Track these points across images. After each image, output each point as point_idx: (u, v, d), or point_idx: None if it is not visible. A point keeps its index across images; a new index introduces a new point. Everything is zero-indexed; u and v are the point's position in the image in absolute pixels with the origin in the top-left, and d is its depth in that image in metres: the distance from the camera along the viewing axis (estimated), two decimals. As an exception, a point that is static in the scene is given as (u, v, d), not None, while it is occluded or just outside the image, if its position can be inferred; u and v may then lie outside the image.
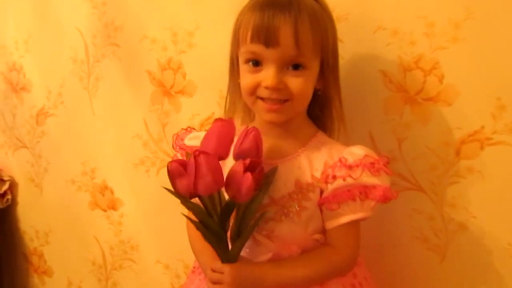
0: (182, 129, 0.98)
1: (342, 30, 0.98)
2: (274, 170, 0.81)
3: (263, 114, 0.82)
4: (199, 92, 1.20)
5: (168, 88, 1.24)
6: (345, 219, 0.81)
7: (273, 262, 0.82)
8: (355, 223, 0.82)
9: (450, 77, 0.90)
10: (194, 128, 1.00)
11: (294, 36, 0.75)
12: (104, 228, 1.47)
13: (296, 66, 0.78)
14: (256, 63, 0.80)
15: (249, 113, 0.94)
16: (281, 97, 0.79)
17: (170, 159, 1.25)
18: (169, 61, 1.23)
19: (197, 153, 0.70)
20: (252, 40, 0.78)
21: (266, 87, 0.78)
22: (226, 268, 0.78)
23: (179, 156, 0.94)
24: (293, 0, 0.77)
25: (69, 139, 1.50)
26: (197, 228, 0.77)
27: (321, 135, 0.88)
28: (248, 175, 0.71)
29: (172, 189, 0.76)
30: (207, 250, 0.84)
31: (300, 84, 0.79)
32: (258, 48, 0.78)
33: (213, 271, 0.80)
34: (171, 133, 1.25)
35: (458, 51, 0.88)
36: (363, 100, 0.98)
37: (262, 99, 0.80)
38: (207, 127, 1.17)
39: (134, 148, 1.34)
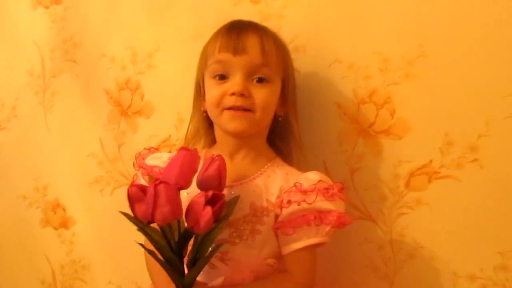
0: (145, 148, 0.98)
1: (300, 61, 1.00)
2: (235, 200, 0.80)
3: (227, 123, 0.83)
4: (157, 114, 1.19)
5: (125, 108, 1.23)
6: (300, 244, 0.81)
7: (227, 287, 0.81)
8: (310, 249, 0.82)
9: (401, 112, 0.93)
10: (157, 149, 0.99)
11: (260, 45, 0.82)
12: (55, 246, 1.43)
13: (261, 80, 0.83)
14: (222, 76, 0.83)
15: (210, 138, 0.94)
16: (246, 105, 0.82)
17: (125, 180, 1.26)
18: (127, 81, 1.22)
19: (157, 182, 0.70)
20: (220, 50, 0.83)
21: (233, 93, 0.81)
22: None
23: (139, 175, 0.93)
24: (258, 24, 0.87)
25: (22, 154, 1.46)
26: (153, 257, 0.77)
27: (278, 161, 0.90)
28: (208, 209, 0.71)
29: (130, 213, 0.75)
30: (164, 273, 0.82)
31: (264, 95, 0.82)
32: (226, 57, 0.82)
33: None
34: (127, 153, 1.25)
35: (410, 87, 0.91)
36: (318, 130, 1.00)
37: (227, 110, 0.82)
38: (164, 150, 1.19)
39: (88, 167, 1.31)
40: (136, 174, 0.94)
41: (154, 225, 0.75)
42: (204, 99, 0.89)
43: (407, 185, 0.94)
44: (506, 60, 0.84)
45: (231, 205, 0.80)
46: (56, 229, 1.42)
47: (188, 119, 1.10)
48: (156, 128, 1.20)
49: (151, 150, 0.96)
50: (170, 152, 1.17)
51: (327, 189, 0.80)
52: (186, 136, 0.97)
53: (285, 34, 0.99)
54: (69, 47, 1.30)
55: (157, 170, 0.88)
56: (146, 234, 0.77)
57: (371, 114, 0.95)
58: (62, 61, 1.32)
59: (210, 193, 0.73)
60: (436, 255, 0.95)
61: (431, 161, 0.91)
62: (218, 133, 0.90)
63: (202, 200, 0.72)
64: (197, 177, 0.78)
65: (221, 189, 0.78)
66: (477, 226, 0.91)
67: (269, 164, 0.88)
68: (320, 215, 0.80)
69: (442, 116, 0.90)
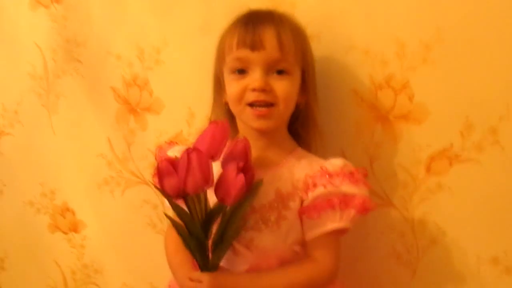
0: (165, 142, 0.97)
1: (314, 49, 0.98)
2: (260, 182, 0.80)
3: (251, 121, 0.83)
4: (167, 110, 1.17)
5: (134, 105, 1.21)
6: (324, 228, 0.81)
7: (252, 273, 0.81)
8: (334, 235, 0.83)
9: (420, 96, 0.92)
10: (177, 143, 0.98)
11: (277, 39, 0.81)
12: (66, 251, 1.41)
13: (280, 72, 0.82)
14: (242, 71, 0.83)
15: (232, 130, 0.92)
16: (268, 99, 0.81)
17: (136, 179, 1.24)
18: (135, 78, 1.19)
19: (190, 150, 0.71)
20: (238, 47, 0.82)
21: (254, 89, 0.81)
22: (205, 276, 0.78)
23: None
24: (275, 13, 0.85)
25: (27, 159, 1.43)
26: (179, 233, 0.77)
27: (301, 151, 0.90)
28: (241, 176, 0.72)
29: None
30: (187, 265, 0.84)
31: (285, 87, 0.82)
32: (244, 53, 0.81)
33: (191, 280, 0.79)
34: (137, 152, 1.23)
35: (428, 71, 0.90)
36: (335, 118, 0.99)
37: (250, 106, 0.82)
38: (176, 146, 1.17)
39: (97, 168, 1.29)
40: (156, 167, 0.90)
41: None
42: (225, 91, 0.88)
43: (428, 170, 0.93)
44: (526, 40, 0.84)
45: (256, 186, 0.79)
46: (65, 233, 1.40)
47: (200, 113, 1.10)
48: (167, 125, 1.18)
49: (172, 143, 0.95)
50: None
51: (352, 173, 0.81)
52: None
53: (299, 21, 0.99)
54: (72, 47, 1.27)
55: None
56: (174, 206, 0.77)
57: (389, 99, 0.94)
58: (65, 62, 1.29)
59: (241, 163, 0.73)
60: (459, 240, 0.94)
61: (451, 144, 0.91)
62: (240, 125, 0.90)
63: (233, 168, 0.72)
64: (223, 156, 0.78)
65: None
66: (500, 209, 0.90)
67: (292, 153, 0.88)
68: (345, 199, 0.80)
69: (462, 99, 0.89)
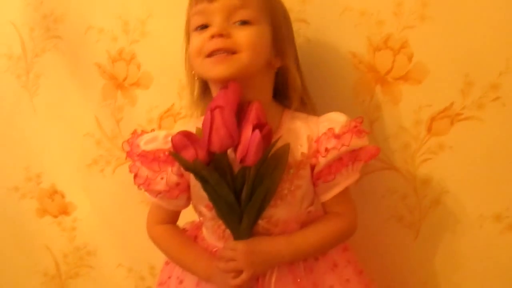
0: (131, 134, 0.88)
1: (308, 13, 0.96)
2: (286, 148, 0.77)
3: (210, 71, 0.77)
4: (156, 83, 1.13)
5: (121, 80, 1.16)
6: (340, 187, 0.81)
7: (285, 235, 0.80)
8: (347, 188, 0.83)
9: (419, 55, 0.91)
10: (143, 130, 0.89)
11: None
12: (56, 235, 1.36)
13: (243, 22, 0.77)
14: (204, 26, 0.78)
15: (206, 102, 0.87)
16: (228, 46, 0.75)
17: (127, 156, 1.19)
18: (120, 52, 1.14)
19: (213, 107, 0.69)
20: (196, 2, 0.79)
21: (212, 36, 0.75)
22: (239, 244, 0.77)
23: (139, 165, 0.83)
24: None
25: (8, 144, 1.36)
26: (213, 198, 0.75)
27: (288, 111, 0.85)
28: (257, 132, 0.70)
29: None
30: (204, 255, 0.83)
31: (247, 34, 0.76)
32: (202, 5, 0.77)
33: (226, 249, 0.78)
34: (127, 128, 1.19)
35: (426, 29, 0.89)
36: (333, 82, 0.97)
37: (209, 57, 0.76)
38: (167, 120, 1.14)
39: (85, 148, 1.24)
40: (134, 165, 0.84)
41: None
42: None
43: (429, 130, 0.93)
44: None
45: (285, 152, 0.77)
46: (55, 217, 1.35)
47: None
48: (157, 99, 1.13)
49: (136, 133, 0.87)
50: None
51: (355, 126, 0.79)
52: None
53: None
54: (50, 23, 1.21)
55: (161, 154, 0.82)
56: (202, 176, 0.74)
57: (388, 60, 0.92)
58: (44, 39, 1.23)
59: (255, 121, 0.71)
60: (461, 199, 0.95)
61: (452, 103, 0.90)
62: (214, 93, 0.83)
63: (249, 126, 0.70)
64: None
65: None
66: (502, 165, 0.91)
67: (283, 117, 0.84)
68: (354, 154, 0.80)
69: (461, 56, 0.88)
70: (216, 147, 0.71)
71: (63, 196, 1.33)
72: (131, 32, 1.12)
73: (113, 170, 1.23)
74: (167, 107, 1.13)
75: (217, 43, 0.75)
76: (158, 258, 1.22)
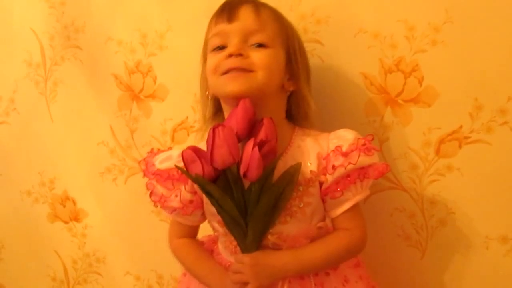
0: (148, 153, 0.91)
1: (323, 33, 0.99)
2: (298, 166, 0.79)
3: (224, 86, 0.79)
4: (171, 96, 1.16)
5: (137, 92, 1.20)
6: (349, 204, 0.82)
7: (292, 249, 0.82)
8: (357, 204, 0.84)
9: (429, 79, 0.93)
10: (159, 149, 0.93)
11: (254, 11, 0.81)
12: (66, 241, 1.39)
13: (260, 45, 0.80)
14: (221, 47, 0.81)
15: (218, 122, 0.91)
16: (244, 66, 0.78)
17: (139, 167, 1.22)
18: (137, 64, 1.18)
19: (216, 126, 0.72)
20: (216, 23, 0.83)
21: (229, 54, 0.78)
22: (245, 257, 0.78)
23: (154, 183, 0.87)
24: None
25: (24, 148, 1.40)
26: (218, 212, 0.77)
27: (299, 129, 0.88)
28: (256, 149, 0.72)
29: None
30: (218, 268, 0.85)
31: (263, 55, 0.79)
32: (221, 27, 0.81)
33: (236, 262, 0.80)
34: (141, 139, 1.22)
35: (437, 53, 0.91)
36: (344, 102, 0.99)
37: (225, 74, 0.79)
38: (181, 132, 1.16)
39: (99, 156, 1.27)
40: (150, 183, 0.87)
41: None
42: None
43: (437, 152, 0.94)
44: (535, 22, 0.85)
45: (295, 171, 0.79)
46: (66, 223, 1.38)
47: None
48: (172, 111, 1.16)
49: (153, 151, 0.90)
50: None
51: (364, 144, 0.80)
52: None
53: (306, 6, 0.99)
54: (71, 33, 1.25)
55: (174, 173, 0.85)
56: (208, 190, 0.77)
57: (399, 83, 0.95)
58: (64, 48, 1.27)
59: (258, 139, 0.74)
60: (467, 220, 0.96)
61: (461, 126, 0.92)
62: (226, 113, 0.85)
63: (250, 143, 0.73)
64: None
65: None
66: (508, 188, 0.92)
67: (294, 134, 0.86)
68: (363, 171, 0.81)
69: (471, 81, 0.90)
70: (218, 164, 0.74)
71: (74, 203, 1.35)
72: (149, 45, 1.15)
73: (125, 179, 1.26)
74: (181, 120, 1.15)
75: (234, 62, 0.78)
76: (166, 267, 1.25)
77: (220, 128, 0.72)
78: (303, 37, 0.93)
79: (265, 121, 0.75)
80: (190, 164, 0.75)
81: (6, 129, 1.43)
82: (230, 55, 0.78)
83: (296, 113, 0.89)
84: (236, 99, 0.78)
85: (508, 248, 0.94)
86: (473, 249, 0.96)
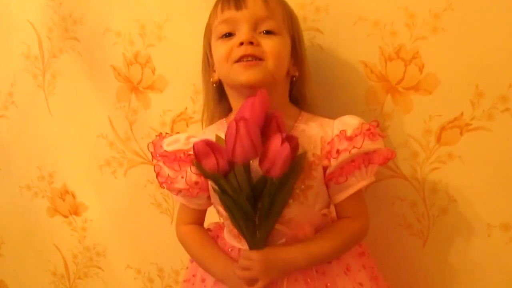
0: (156, 135, 0.91)
1: (322, 21, 0.98)
2: (304, 154, 0.79)
3: (239, 76, 0.79)
4: (170, 87, 1.15)
5: (136, 83, 1.19)
6: (353, 189, 0.82)
7: (300, 242, 0.81)
8: (360, 191, 0.84)
9: (430, 66, 0.92)
10: (167, 133, 0.94)
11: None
12: (66, 235, 1.38)
13: (268, 32, 0.81)
14: (229, 34, 0.81)
15: (224, 110, 0.91)
16: (256, 53, 0.79)
17: (139, 159, 1.23)
18: (136, 55, 1.17)
19: (238, 119, 0.70)
20: (222, 10, 0.82)
21: (241, 43, 0.79)
22: (254, 254, 0.78)
23: (162, 165, 0.87)
24: None
25: (23, 142, 1.39)
26: (227, 208, 0.77)
27: (305, 114, 0.88)
28: (286, 145, 0.70)
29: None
30: (221, 257, 0.85)
31: (273, 43, 0.80)
32: (229, 14, 0.81)
33: (243, 258, 0.80)
34: (140, 131, 1.21)
35: (438, 41, 0.90)
36: (345, 90, 0.99)
37: (237, 62, 0.79)
38: (180, 124, 1.16)
39: (98, 149, 1.27)
40: (157, 165, 0.87)
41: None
42: (213, 70, 0.87)
43: (438, 139, 0.94)
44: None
45: (300, 159, 0.78)
46: (66, 216, 1.37)
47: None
48: (171, 102, 1.16)
49: (161, 135, 0.91)
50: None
51: (369, 130, 0.80)
52: (202, 116, 0.95)
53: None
54: (69, 25, 1.24)
55: (181, 155, 0.85)
56: (220, 185, 0.75)
57: (399, 70, 0.94)
58: (62, 40, 1.26)
59: (284, 133, 0.72)
60: (469, 208, 0.95)
61: (462, 113, 0.91)
62: (233, 100, 0.87)
63: (278, 138, 0.71)
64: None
65: None
66: (510, 176, 0.91)
67: (299, 118, 0.86)
68: (367, 157, 0.81)
69: (472, 68, 0.89)
70: (239, 158, 0.72)
71: (74, 197, 1.35)
72: (148, 36, 1.15)
73: (124, 172, 1.25)
74: (180, 111, 1.15)
75: (247, 49, 0.78)
76: (167, 260, 1.25)
77: (243, 122, 0.70)
78: (303, 26, 0.92)
79: (275, 113, 0.75)
80: (203, 157, 0.73)
81: (4, 123, 1.42)
82: (242, 43, 0.79)
83: (300, 98, 0.90)
84: (250, 88, 0.79)
85: (510, 235, 0.93)
86: (475, 237, 0.96)
